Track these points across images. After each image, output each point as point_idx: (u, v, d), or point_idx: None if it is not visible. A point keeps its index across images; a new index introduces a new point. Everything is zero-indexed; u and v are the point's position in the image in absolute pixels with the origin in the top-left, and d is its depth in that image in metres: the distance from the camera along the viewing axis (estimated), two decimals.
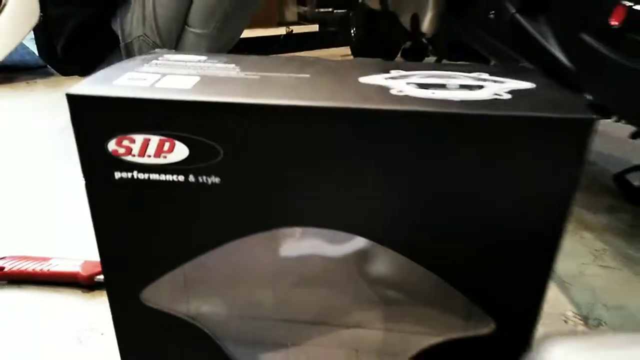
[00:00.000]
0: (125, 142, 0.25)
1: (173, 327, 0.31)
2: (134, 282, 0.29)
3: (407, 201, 0.26)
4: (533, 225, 0.25)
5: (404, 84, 0.27)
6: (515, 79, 0.28)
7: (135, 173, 0.26)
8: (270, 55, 0.34)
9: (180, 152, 0.25)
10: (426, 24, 0.82)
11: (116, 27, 0.82)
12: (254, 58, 0.32)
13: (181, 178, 0.26)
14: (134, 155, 0.26)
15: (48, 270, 0.54)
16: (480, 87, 0.26)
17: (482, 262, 0.27)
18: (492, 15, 0.59)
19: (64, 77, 1.36)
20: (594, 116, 0.23)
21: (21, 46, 1.35)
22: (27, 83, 1.32)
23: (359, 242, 0.32)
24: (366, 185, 0.25)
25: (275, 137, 0.24)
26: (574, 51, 0.44)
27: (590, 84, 0.44)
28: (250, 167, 0.25)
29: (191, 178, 0.26)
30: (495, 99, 0.24)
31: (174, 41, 0.81)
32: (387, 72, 0.29)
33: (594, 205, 0.77)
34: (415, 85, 0.26)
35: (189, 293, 0.31)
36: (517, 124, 0.23)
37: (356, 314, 0.38)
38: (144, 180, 0.26)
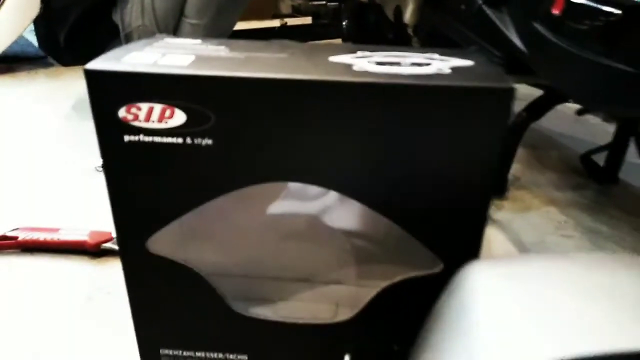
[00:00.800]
0: (133, 110, 0.31)
1: (175, 272, 0.36)
2: (140, 232, 0.35)
3: (367, 158, 0.31)
4: (468, 179, 0.31)
5: (366, 62, 0.32)
6: (460, 58, 0.33)
7: (141, 136, 0.31)
8: (255, 40, 0.39)
9: (178, 118, 0.31)
10: (408, 15, 0.87)
11: (116, 18, 0.87)
12: (241, 42, 0.38)
13: (179, 140, 0.31)
14: (140, 121, 0.31)
15: (58, 239, 0.59)
16: (428, 64, 0.32)
17: (430, 212, 0.32)
18: (463, 7, 0.64)
19: (64, 67, 1.41)
20: (513, 86, 0.28)
21: (21, 38, 1.38)
22: (28, 73, 1.37)
23: (334, 199, 0.38)
24: (334, 145, 0.31)
25: (257, 104, 0.30)
26: (528, 38, 0.49)
27: (540, 66, 0.50)
28: (236, 130, 0.31)
29: (188, 140, 0.31)
30: (438, 74, 0.30)
31: (171, 31, 0.86)
32: (354, 52, 0.35)
33: (561, 184, 0.83)
34: (375, 63, 0.32)
35: (187, 242, 0.36)
36: (452, 92, 0.28)
37: (335, 272, 0.44)
38: (148, 142, 0.31)
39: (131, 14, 0.85)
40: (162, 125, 0.31)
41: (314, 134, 0.31)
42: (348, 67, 0.31)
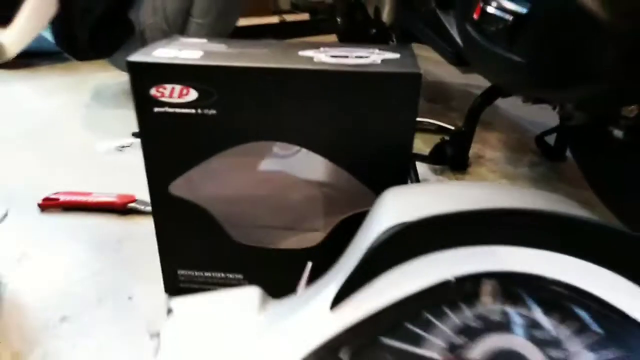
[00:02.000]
0: (160, 89, 0.44)
1: (190, 210, 0.50)
2: (164, 179, 0.48)
3: (325, 125, 0.44)
4: (395, 138, 0.44)
5: (323, 56, 0.45)
6: (391, 52, 0.47)
7: (166, 108, 0.45)
8: (247, 40, 0.52)
9: (192, 95, 0.44)
10: (385, 15, 1.00)
11: (133, 16, 1.01)
12: (236, 41, 0.51)
13: (193, 111, 0.45)
14: (165, 97, 0.44)
15: (91, 200, 0.73)
16: (367, 57, 0.45)
17: (371, 162, 0.46)
18: (423, 9, 0.77)
19: (80, 62, 1.54)
20: (420, 71, 0.41)
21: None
22: (46, 67, 1.50)
23: (306, 156, 0.51)
24: (301, 114, 0.44)
25: (246, 85, 0.43)
26: (463, 36, 0.62)
27: (472, 60, 0.63)
28: (233, 103, 0.44)
29: (199, 111, 0.45)
30: (371, 63, 0.43)
31: (180, 28, 1.00)
32: (318, 48, 0.48)
33: (517, 162, 0.96)
34: (330, 56, 0.45)
35: (198, 187, 0.50)
36: (376, 76, 0.42)
37: (311, 222, 0.57)
38: (171, 112, 0.45)
39: (145, 13, 0.99)
40: (181, 100, 0.44)
41: (287, 107, 0.44)
42: (310, 59, 0.44)
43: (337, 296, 0.27)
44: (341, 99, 0.43)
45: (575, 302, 0.25)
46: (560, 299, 0.26)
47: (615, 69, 0.44)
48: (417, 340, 0.26)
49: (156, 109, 0.45)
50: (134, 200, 0.73)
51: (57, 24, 1.56)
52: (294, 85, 0.43)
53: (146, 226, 0.69)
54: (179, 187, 0.49)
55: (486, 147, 1.02)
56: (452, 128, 0.98)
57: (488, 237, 0.27)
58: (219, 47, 0.48)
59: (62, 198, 0.73)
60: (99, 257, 0.63)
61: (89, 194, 0.75)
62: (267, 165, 0.53)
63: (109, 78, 1.37)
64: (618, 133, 0.56)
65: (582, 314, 0.25)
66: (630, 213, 0.58)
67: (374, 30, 1.21)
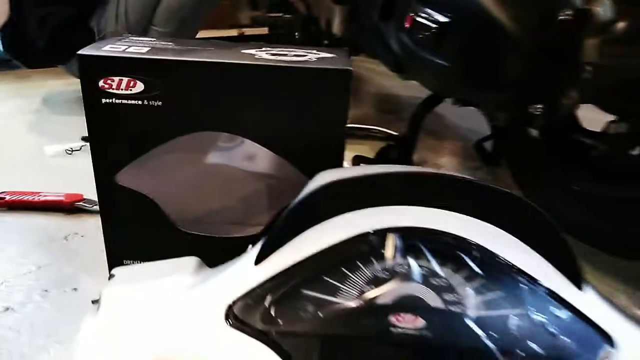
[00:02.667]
0: (108, 81, 0.47)
1: (136, 200, 0.52)
2: (111, 168, 0.50)
3: (265, 116, 0.48)
4: (329, 129, 0.48)
5: (264, 54, 0.49)
6: (328, 53, 0.51)
7: (114, 99, 0.47)
8: (195, 38, 0.55)
9: (139, 87, 0.47)
10: (335, 27, 1.06)
11: (93, 24, 1.02)
12: (184, 40, 0.54)
13: (139, 102, 0.47)
14: (113, 89, 0.47)
15: (39, 199, 0.73)
16: (305, 56, 0.49)
17: (308, 154, 0.49)
18: (367, 21, 0.83)
19: (30, 69, 1.52)
20: (350, 68, 0.46)
21: None
22: None
23: (250, 147, 0.54)
24: (242, 106, 0.47)
25: (189, 78, 0.46)
26: (399, 45, 0.68)
27: (407, 66, 0.68)
28: (177, 95, 0.47)
29: (145, 102, 0.47)
30: (307, 60, 0.47)
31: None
32: (260, 48, 0.52)
33: (459, 167, 1.03)
34: (270, 54, 0.49)
35: (144, 177, 0.52)
36: (310, 71, 0.46)
37: (259, 217, 0.60)
38: (119, 103, 0.47)
39: (107, 21, 1.00)
40: (128, 92, 0.47)
41: (229, 99, 0.47)
42: (251, 55, 0.48)
43: (261, 252, 0.30)
44: (279, 93, 0.47)
45: (465, 252, 0.30)
46: (453, 250, 0.30)
47: (522, 75, 0.50)
48: (333, 291, 0.29)
49: (104, 100, 0.47)
50: (82, 199, 0.73)
51: (8, 31, 1.54)
52: (235, 79, 0.46)
53: (93, 224, 0.70)
54: (125, 177, 0.51)
55: (431, 153, 1.08)
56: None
57: (392, 198, 0.31)
58: (166, 44, 0.51)
59: (8, 197, 0.73)
60: (45, 252, 0.63)
61: (36, 193, 0.75)
62: (212, 158, 0.56)
63: (61, 85, 1.36)
64: (534, 132, 0.62)
65: (471, 263, 0.30)
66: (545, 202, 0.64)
67: (326, 42, 1.27)
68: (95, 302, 0.33)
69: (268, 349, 0.28)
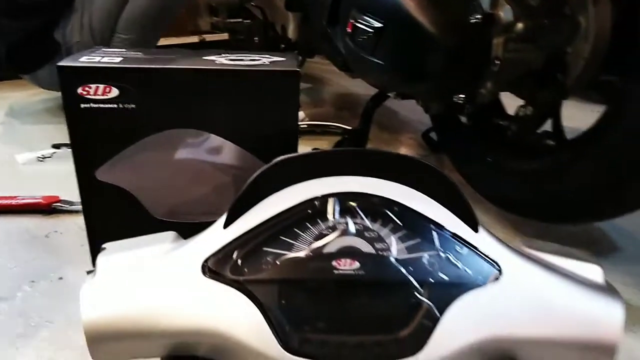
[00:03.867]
0: (86, 89, 0.53)
1: (114, 193, 0.58)
2: (91, 165, 0.56)
3: (227, 114, 0.55)
4: (283, 125, 0.56)
5: (223, 59, 0.56)
6: (279, 57, 0.59)
7: (91, 104, 0.53)
8: (161, 47, 0.62)
9: (114, 92, 0.53)
10: (290, 32, 1.14)
11: (58, 35, 1.06)
12: (152, 49, 0.61)
13: (114, 106, 0.54)
14: (90, 95, 0.53)
15: (17, 202, 0.78)
16: (259, 60, 0.57)
17: (267, 144, 0.57)
18: (317, 26, 0.92)
19: None
20: (298, 69, 0.54)
21: None
22: None
23: (216, 141, 0.61)
24: (205, 105, 0.55)
25: (159, 83, 0.53)
26: (344, 47, 0.76)
27: (352, 65, 0.77)
28: (149, 98, 0.54)
29: (120, 105, 0.54)
30: (261, 64, 0.55)
31: (106, 44, 1.06)
32: (220, 54, 0.59)
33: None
34: (228, 59, 0.56)
35: (121, 173, 0.58)
36: (262, 73, 0.53)
37: (226, 204, 0.67)
38: (96, 107, 0.54)
39: (72, 32, 1.05)
40: (104, 97, 0.53)
41: (194, 100, 0.54)
42: (212, 61, 0.55)
43: (228, 218, 0.37)
44: (237, 92, 0.54)
45: (389, 210, 0.38)
46: (380, 209, 0.38)
47: (443, 69, 0.59)
48: (288, 246, 0.37)
49: (82, 105, 0.53)
50: (59, 200, 0.78)
51: None
52: (199, 82, 0.54)
53: (72, 222, 0.76)
54: (104, 173, 0.57)
55: (382, 144, 1.18)
56: None
57: (331, 170, 0.39)
58: (136, 54, 0.58)
59: None
60: (29, 249, 0.68)
61: (13, 197, 0.79)
62: (183, 153, 0.63)
63: (27, 96, 1.39)
64: (464, 119, 0.72)
65: (394, 217, 0.38)
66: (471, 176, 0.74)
67: (283, 46, 1.35)
68: (90, 272, 0.40)
69: (239, 292, 0.35)
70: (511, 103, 0.73)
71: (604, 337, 0.36)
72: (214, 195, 0.64)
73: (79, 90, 0.53)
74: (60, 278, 0.62)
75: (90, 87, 0.53)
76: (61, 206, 0.78)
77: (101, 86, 0.53)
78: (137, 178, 0.59)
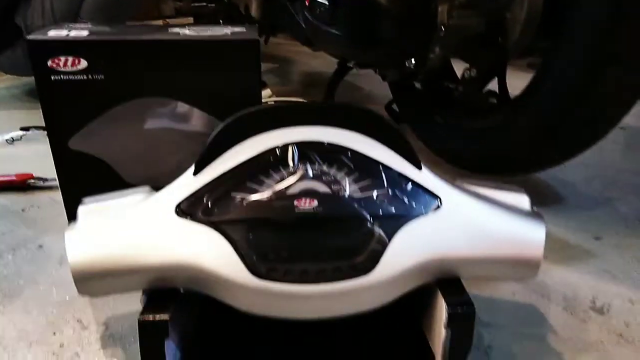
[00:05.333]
0: (56, 61, 0.55)
1: (87, 161, 0.61)
2: (63, 135, 0.59)
3: (192, 82, 0.59)
4: (245, 90, 0.60)
5: (188, 31, 0.60)
6: (241, 28, 0.62)
7: (62, 76, 0.56)
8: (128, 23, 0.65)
9: (83, 64, 0.56)
10: (253, 11, 1.17)
11: (19, 20, 1.06)
12: (119, 24, 0.63)
13: (85, 77, 0.56)
14: (60, 67, 0.56)
15: None
16: (222, 31, 0.60)
17: (232, 110, 0.61)
18: (278, 3, 0.95)
19: None
20: (257, 38, 0.58)
21: None
22: None
23: (184, 109, 0.65)
24: (172, 74, 0.58)
25: (127, 54, 0.56)
26: (305, 22, 0.80)
27: (313, 38, 0.81)
28: (118, 69, 0.57)
29: (90, 76, 0.57)
30: (223, 34, 0.59)
31: None
32: (185, 27, 0.62)
33: None
34: (193, 31, 0.60)
35: (93, 141, 0.61)
36: (223, 42, 0.57)
37: None
38: (66, 79, 0.56)
39: (33, 17, 1.05)
40: (74, 69, 0.56)
41: (161, 69, 0.58)
42: (177, 33, 0.59)
43: (197, 166, 0.42)
44: (202, 62, 0.58)
45: (343, 155, 0.43)
46: (335, 154, 0.43)
47: (393, 36, 0.64)
48: (254, 191, 0.41)
49: (53, 77, 0.56)
50: (33, 177, 0.80)
51: None
52: (165, 52, 0.57)
53: (47, 197, 0.78)
54: (76, 142, 0.60)
55: None
56: None
57: (290, 121, 0.44)
58: (103, 28, 0.60)
59: None
60: (6, 222, 0.70)
61: None
62: (154, 122, 0.66)
63: None
64: (418, 85, 0.77)
65: (348, 162, 0.43)
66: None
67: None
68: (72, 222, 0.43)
69: (210, 229, 0.39)
70: (461, 69, 0.79)
71: (529, 254, 0.42)
72: (184, 161, 0.67)
73: (49, 63, 0.55)
74: (40, 246, 0.65)
75: (59, 60, 0.55)
76: (35, 183, 0.80)
77: (70, 58, 0.56)
78: (110, 147, 0.62)
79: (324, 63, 1.56)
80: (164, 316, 0.37)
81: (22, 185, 0.80)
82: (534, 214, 0.44)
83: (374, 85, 1.41)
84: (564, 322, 0.53)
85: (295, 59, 1.87)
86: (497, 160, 0.69)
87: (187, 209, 0.40)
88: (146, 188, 0.45)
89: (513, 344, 0.49)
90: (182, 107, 0.62)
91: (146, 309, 0.38)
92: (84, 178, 0.62)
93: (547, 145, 0.62)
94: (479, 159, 0.70)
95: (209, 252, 0.39)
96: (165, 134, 0.65)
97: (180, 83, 0.59)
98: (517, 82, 0.73)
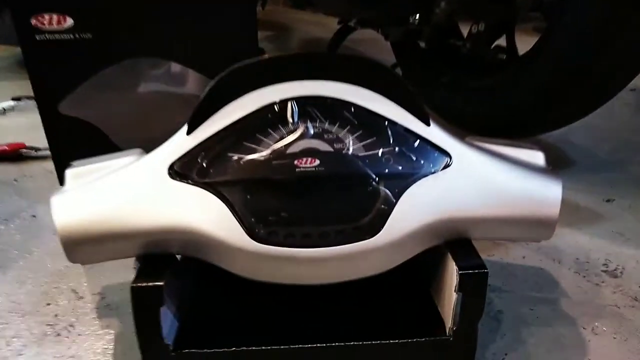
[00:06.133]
0: (40, 19, 0.52)
1: (78, 126, 0.58)
2: (52, 99, 0.56)
3: (188, 43, 0.55)
4: (241, 48, 0.56)
5: None
6: None
7: (47, 35, 0.53)
8: None
9: (69, 22, 0.53)
10: None
11: None
12: None
13: (71, 36, 0.53)
14: (45, 25, 0.52)
15: None
16: None
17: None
18: None
19: None
20: None
21: None
22: None
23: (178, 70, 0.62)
24: (167, 36, 0.55)
25: (116, 11, 0.53)
26: None
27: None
28: (106, 27, 0.53)
29: (76, 36, 0.53)
30: None
31: None
32: None
33: None
34: None
35: (82, 105, 0.58)
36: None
37: None
38: (52, 39, 0.53)
39: None
40: (59, 28, 0.53)
41: (153, 28, 0.54)
42: None
43: (190, 125, 0.39)
44: (195, 19, 0.54)
45: (346, 110, 0.40)
46: (338, 110, 0.40)
47: None
48: (252, 150, 0.39)
49: (38, 37, 0.53)
50: (25, 147, 0.78)
51: None
52: (156, 7, 0.53)
53: (39, 167, 0.75)
54: (66, 107, 0.57)
55: None
56: None
57: (289, 75, 0.41)
58: None
59: None
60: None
61: None
62: (147, 85, 0.63)
63: None
64: (422, 44, 0.74)
65: (352, 118, 0.40)
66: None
67: None
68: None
69: (206, 191, 0.37)
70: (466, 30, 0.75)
71: (545, 213, 0.39)
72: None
73: (33, 21, 0.52)
74: (34, 216, 0.63)
75: (43, 17, 0.52)
76: (27, 152, 0.78)
77: (55, 16, 0.52)
78: (101, 111, 0.59)
79: (323, 30, 1.51)
80: (159, 282, 0.35)
81: (15, 155, 0.77)
82: (549, 171, 0.41)
83: (375, 52, 1.36)
84: (577, 286, 0.51)
85: (292, 27, 1.82)
86: (505, 121, 0.66)
87: (181, 169, 0.38)
88: (137, 150, 0.43)
89: (524, 309, 0.47)
90: (175, 67, 0.59)
91: (139, 276, 0.36)
92: (75, 144, 0.59)
93: (557, 104, 0.59)
94: (486, 120, 0.67)
95: (205, 215, 0.36)
96: (159, 97, 0.62)
97: (172, 42, 0.56)
98: (523, 45, 0.70)
